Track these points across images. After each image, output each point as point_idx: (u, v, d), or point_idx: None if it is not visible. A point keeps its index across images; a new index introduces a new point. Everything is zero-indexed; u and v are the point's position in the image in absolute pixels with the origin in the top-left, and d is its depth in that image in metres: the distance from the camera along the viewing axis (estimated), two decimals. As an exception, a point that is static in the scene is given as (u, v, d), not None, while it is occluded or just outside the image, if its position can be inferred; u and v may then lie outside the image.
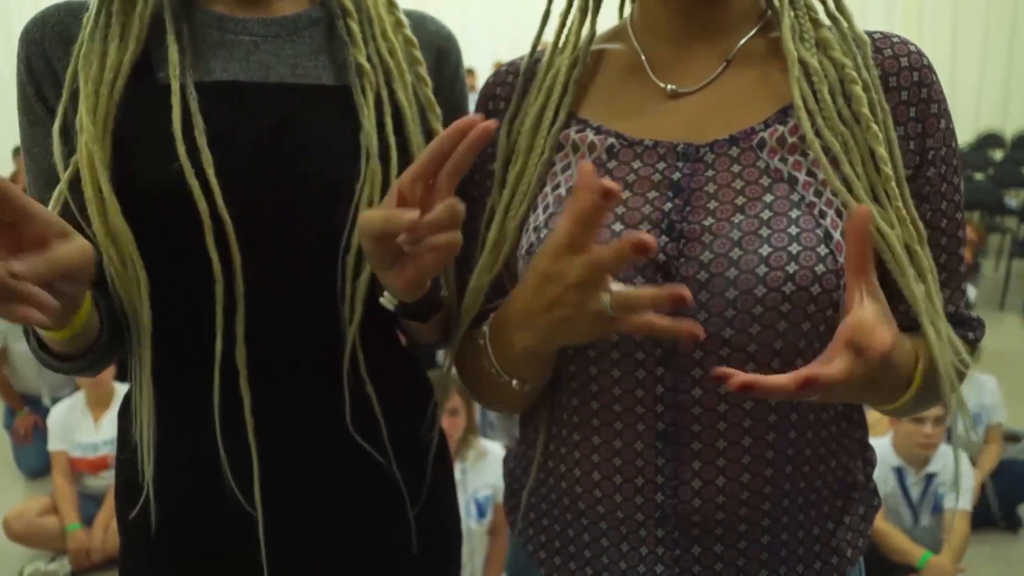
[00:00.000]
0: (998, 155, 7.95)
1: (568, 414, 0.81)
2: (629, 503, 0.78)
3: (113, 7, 0.80)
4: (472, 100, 0.91)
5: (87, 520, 2.91)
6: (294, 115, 0.82)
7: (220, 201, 0.78)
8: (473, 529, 2.40)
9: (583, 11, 0.83)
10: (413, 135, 0.85)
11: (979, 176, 7.08)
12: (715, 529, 0.77)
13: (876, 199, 0.73)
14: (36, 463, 3.44)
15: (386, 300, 0.78)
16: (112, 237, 0.79)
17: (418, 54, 0.89)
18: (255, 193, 0.81)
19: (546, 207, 0.79)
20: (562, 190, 0.79)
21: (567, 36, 0.83)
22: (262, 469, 0.84)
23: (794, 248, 0.70)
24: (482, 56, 8.33)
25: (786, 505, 0.78)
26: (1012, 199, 6.64)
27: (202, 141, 0.78)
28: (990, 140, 8.18)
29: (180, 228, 0.79)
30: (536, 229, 0.79)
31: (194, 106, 0.79)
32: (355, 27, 0.86)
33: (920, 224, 0.74)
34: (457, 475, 2.32)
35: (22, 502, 3.07)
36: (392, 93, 0.85)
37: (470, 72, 8.68)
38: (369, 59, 0.86)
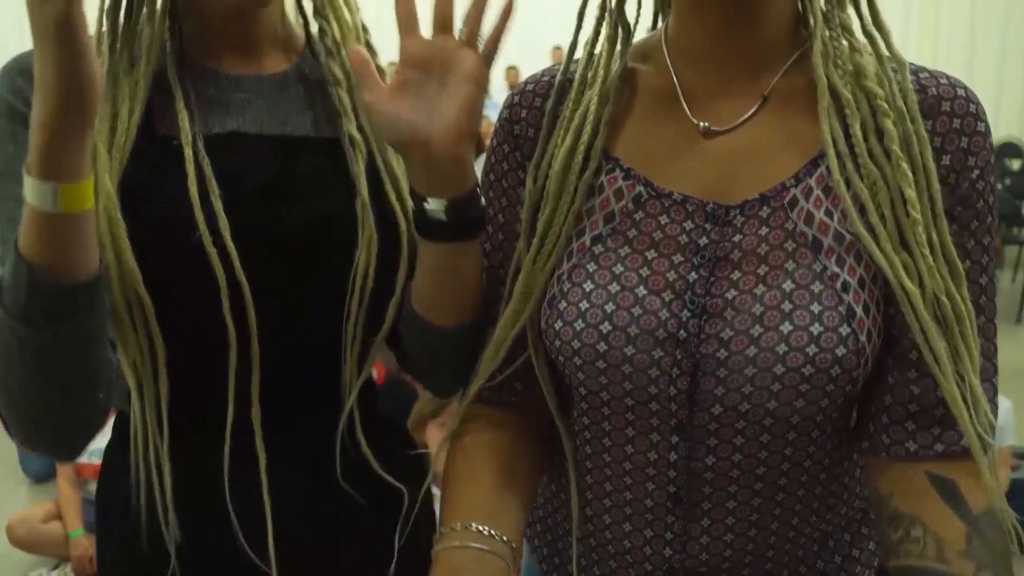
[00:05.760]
0: (1016, 165, 7.88)
1: (581, 457, 0.81)
2: (638, 551, 0.80)
3: (120, 68, 0.78)
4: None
5: (91, 527, 2.89)
6: (291, 167, 0.82)
7: (238, 265, 0.77)
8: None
9: (612, 42, 0.76)
10: (405, 197, 0.85)
11: (996, 186, 7.01)
12: None
13: (906, 246, 0.68)
14: (41, 468, 3.43)
15: (434, 205, 0.72)
16: (129, 304, 0.76)
17: None
18: (266, 254, 0.80)
19: (569, 254, 0.75)
20: (586, 238, 0.75)
21: (595, 70, 0.77)
22: (275, 527, 0.83)
23: (815, 328, 0.67)
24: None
25: (788, 548, 0.78)
26: (1030, 210, 6.57)
27: (219, 206, 0.77)
28: (1008, 149, 8.09)
29: (194, 294, 0.77)
30: (559, 279, 0.75)
31: (209, 171, 0.77)
32: (345, 97, 0.86)
33: (957, 263, 0.68)
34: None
35: (27, 507, 3.06)
36: (384, 160, 0.86)
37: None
38: (360, 129, 0.85)
